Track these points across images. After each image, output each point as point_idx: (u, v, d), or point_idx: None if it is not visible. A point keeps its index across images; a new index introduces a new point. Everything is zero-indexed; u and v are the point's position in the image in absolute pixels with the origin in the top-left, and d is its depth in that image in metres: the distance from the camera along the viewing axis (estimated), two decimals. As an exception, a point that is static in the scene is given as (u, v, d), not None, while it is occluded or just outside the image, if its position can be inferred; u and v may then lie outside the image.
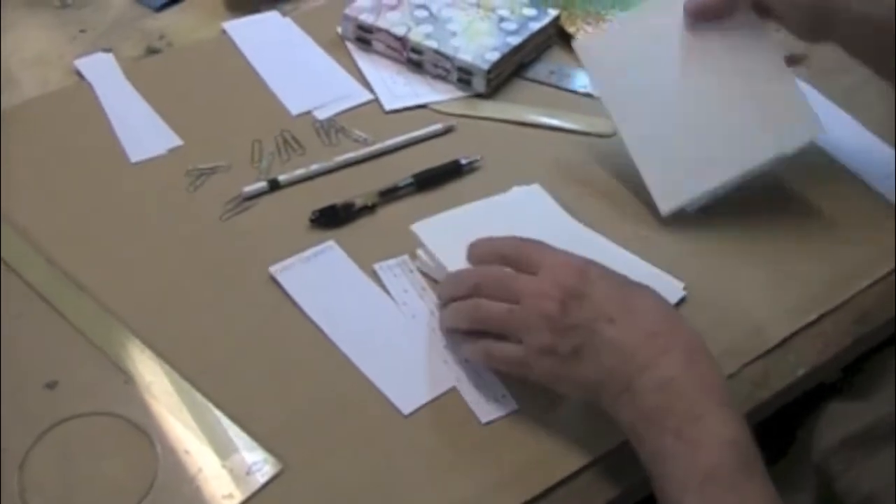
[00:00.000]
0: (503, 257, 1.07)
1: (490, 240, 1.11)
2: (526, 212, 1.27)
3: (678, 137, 1.27)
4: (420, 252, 1.19)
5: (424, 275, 1.19)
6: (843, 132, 1.38)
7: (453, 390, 1.09)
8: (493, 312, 1.04)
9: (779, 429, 1.20)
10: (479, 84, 1.45)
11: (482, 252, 1.10)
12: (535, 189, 1.29)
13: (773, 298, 1.21)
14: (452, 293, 1.09)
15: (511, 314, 1.02)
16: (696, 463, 0.91)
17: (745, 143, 1.26)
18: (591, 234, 1.24)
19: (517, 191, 1.29)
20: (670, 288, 1.18)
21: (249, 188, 1.28)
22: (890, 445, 1.07)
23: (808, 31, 1.27)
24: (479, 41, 1.48)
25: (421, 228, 1.18)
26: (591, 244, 1.23)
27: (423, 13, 1.51)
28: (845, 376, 1.23)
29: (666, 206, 1.27)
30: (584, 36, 1.54)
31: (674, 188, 1.27)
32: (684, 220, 1.28)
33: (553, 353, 0.99)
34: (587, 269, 1.02)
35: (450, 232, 1.18)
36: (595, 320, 0.98)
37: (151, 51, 1.52)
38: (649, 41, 1.30)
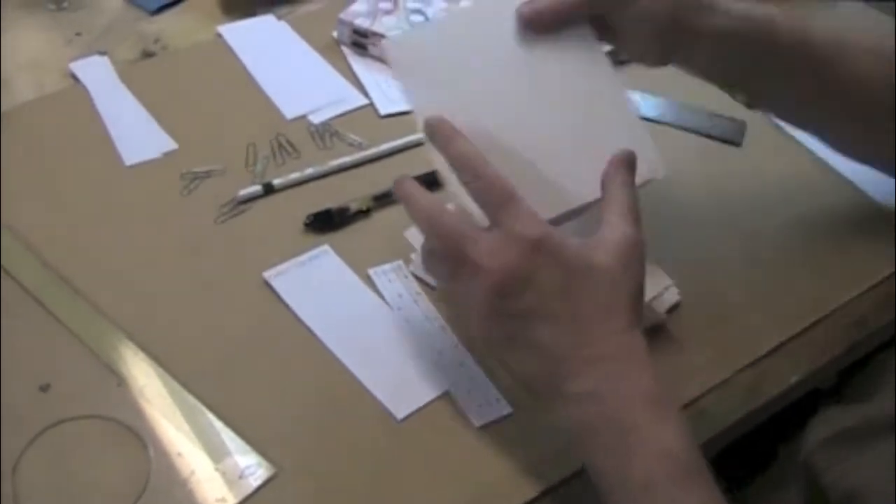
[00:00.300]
0: (464, 179, 0.98)
1: (460, 153, 0.99)
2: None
3: (504, 169, 1.00)
4: (414, 256, 1.19)
5: (419, 279, 1.19)
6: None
7: (447, 395, 1.09)
8: (435, 274, 1.04)
9: (774, 435, 1.20)
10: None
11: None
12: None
13: (767, 304, 1.21)
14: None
15: (449, 289, 1.00)
16: (629, 478, 0.88)
17: (576, 180, 1.06)
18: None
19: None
20: (659, 280, 1.17)
21: (244, 192, 1.28)
22: (875, 441, 1.06)
23: (660, 54, 1.15)
24: (474, 46, 1.47)
25: (415, 235, 1.18)
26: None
27: (418, 17, 1.51)
28: (841, 382, 1.23)
29: None
30: (398, 35, 1.34)
31: None
32: (678, 222, 1.27)
33: (488, 334, 0.96)
34: (540, 246, 0.92)
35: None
36: (531, 314, 0.93)
37: (147, 54, 1.52)
38: (472, 50, 1.09)
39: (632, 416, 0.90)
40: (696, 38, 1.12)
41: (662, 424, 0.90)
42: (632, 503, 0.88)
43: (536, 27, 1.09)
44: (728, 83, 1.21)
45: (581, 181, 1.04)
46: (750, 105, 1.27)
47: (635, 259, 0.96)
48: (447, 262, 0.97)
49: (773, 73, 1.16)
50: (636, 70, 1.51)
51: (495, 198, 0.95)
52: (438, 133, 1.00)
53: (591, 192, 1.02)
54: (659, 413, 0.90)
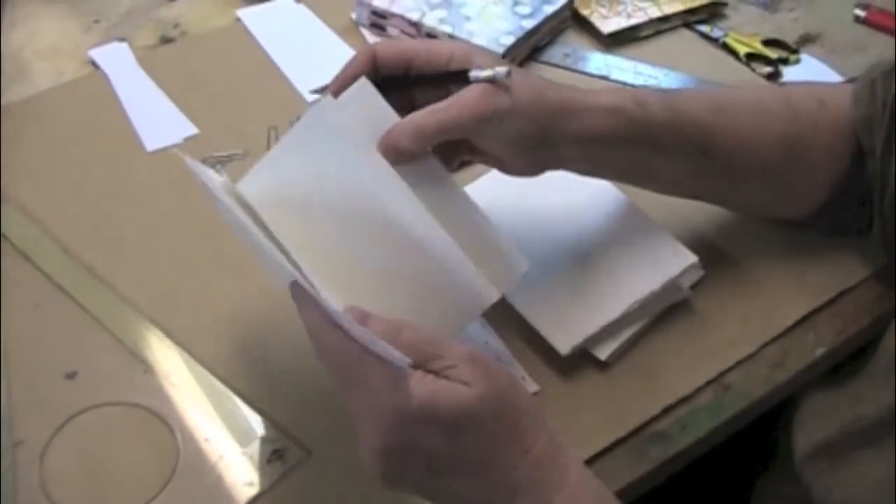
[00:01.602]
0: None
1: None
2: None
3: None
4: None
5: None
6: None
7: (472, 375, 1.09)
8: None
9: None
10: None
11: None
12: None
13: (791, 277, 1.21)
14: None
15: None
16: None
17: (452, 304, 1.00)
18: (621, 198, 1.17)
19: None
20: (683, 259, 1.15)
21: (266, 176, 1.28)
22: (857, 454, 1.06)
23: (533, 165, 1.08)
24: (493, 25, 1.47)
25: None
26: (623, 207, 1.19)
27: (436, -2, 1.51)
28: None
29: None
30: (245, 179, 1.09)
31: None
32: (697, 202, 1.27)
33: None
34: (408, 416, 0.83)
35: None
36: (428, 476, 0.86)
37: (166, 40, 1.52)
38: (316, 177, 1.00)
39: None
40: (560, 142, 1.05)
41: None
42: None
43: (394, 161, 0.98)
44: (600, 175, 1.14)
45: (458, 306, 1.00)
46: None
47: (494, 369, 0.88)
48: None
49: (651, 156, 1.10)
50: (656, 47, 1.52)
51: (349, 367, 0.85)
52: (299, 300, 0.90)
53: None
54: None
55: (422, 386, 0.83)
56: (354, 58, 1.04)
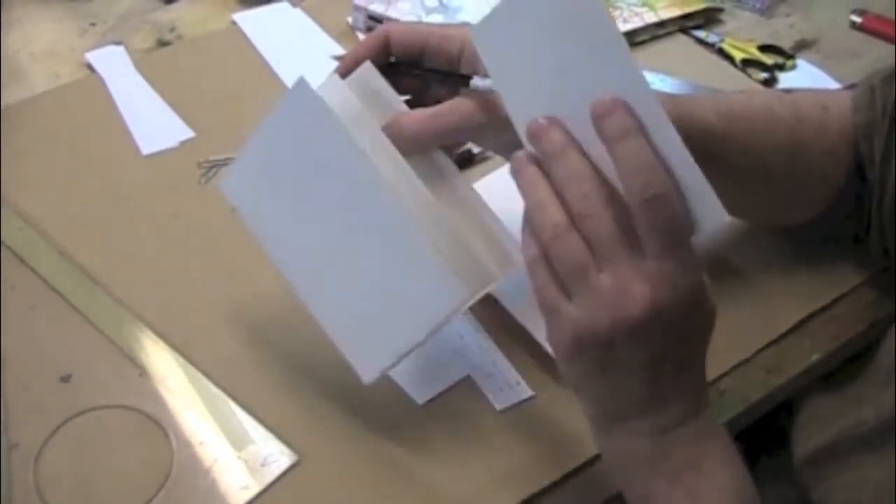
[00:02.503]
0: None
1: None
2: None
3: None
4: None
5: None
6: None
7: (467, 379, 1.09)
8: (541, 295, 0.87)
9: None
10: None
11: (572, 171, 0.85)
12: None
13: (787, 282, 1.21)
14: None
15: (553, 315, 0.86)
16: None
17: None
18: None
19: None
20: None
21: (262, 179, 1.28)
22: (857, 458, 1.06)
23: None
24: (489, 29, 1.47)
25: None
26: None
27: (433, 2, 1.51)
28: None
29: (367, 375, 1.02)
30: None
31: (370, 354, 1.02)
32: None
33: (591, 357, 0.86)
34: (692, 295, 0.85)
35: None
36: (655, 355, 0.85)
37: (162, 43, 1.52)
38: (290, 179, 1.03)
39: (703, 450, 0.88)
40: None
41: (730, 458, 0.89)
42: None
43: (406, 147, 1.00)
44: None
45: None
46: None
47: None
48: (578, 271, 0.84)
49: None
50: (652, 52, 1.52)
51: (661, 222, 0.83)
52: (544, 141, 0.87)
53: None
54: (722, 448, 0.90)
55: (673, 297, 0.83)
56: (368, 38, 1.05)
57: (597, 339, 0.84)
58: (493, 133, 1.00)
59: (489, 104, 0.99)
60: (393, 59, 1.06)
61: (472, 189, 1.04)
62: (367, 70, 1.02)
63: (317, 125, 0.98)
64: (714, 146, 1.07)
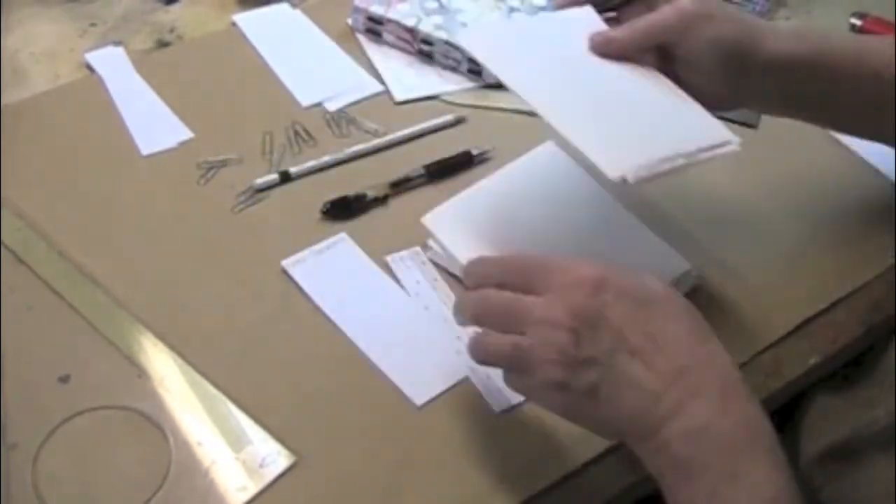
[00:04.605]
0: (503, 278, 0.94)
1: (486, 259, 1.01)
2: (540, 177, 1.24)
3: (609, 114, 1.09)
4: (431, 243, 1.19)
5: (437, 265, 1.19)
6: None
7: (466, 380, 1.09)
8: (494, 349, 0.94)
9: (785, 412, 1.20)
10: (490, 75, 1.45)
11: (480, 273, 0.98)
12: (549, 147, 1.26)
13: (785, 286, 1.21)
14: (459, 320, 1.00)
15: (515, 350, 0.91)
16: None
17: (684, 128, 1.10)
18: (607, 196, 1.22)
19: (530, 155, 1.26)
20: (677, 266, 1.17)
21: (261, 180, 1.28)
22: (867, 458, 1.06)
23: (723, 82, 1.14)
24: (489, 31, 1.48)
25: (431, 221, 1.17)
26: (606, 208, 1.22)
27: (433, 4, 1.51)
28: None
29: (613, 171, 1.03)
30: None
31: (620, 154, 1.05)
32: (694, 205, 1.27)
33: (566, 389, 0.88)
34: (602, 284, 0.89)
35: (461, 220, 1.16)
36: (613, 353, 0.87)
37: (162, 44, 1.52)
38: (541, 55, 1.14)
39: (741, 456, 0.85)
40: (758, 63, 1.13)
41: (769, 464, 0.85)
42: None
43: (606, 53, 1.13)
44: (789, 107, 1.21)
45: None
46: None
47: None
48: (507, 338, 0.92)
49: (836, 86, 1.16)
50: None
51: (532, 272, 0.93)
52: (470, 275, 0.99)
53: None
54: (766, 449, 0.86)
55: (606, 264, 0.91)
56: None
57: (569, 337, 0.88)
58: (697, 29, 1.12)
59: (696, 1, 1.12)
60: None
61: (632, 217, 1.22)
62: (587, 11, 1.18)
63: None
64: (888, 69, 1.15)
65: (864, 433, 1.07)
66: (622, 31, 1.13)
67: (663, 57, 1.15)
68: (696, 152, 1.06)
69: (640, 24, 1.13)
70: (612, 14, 1.19)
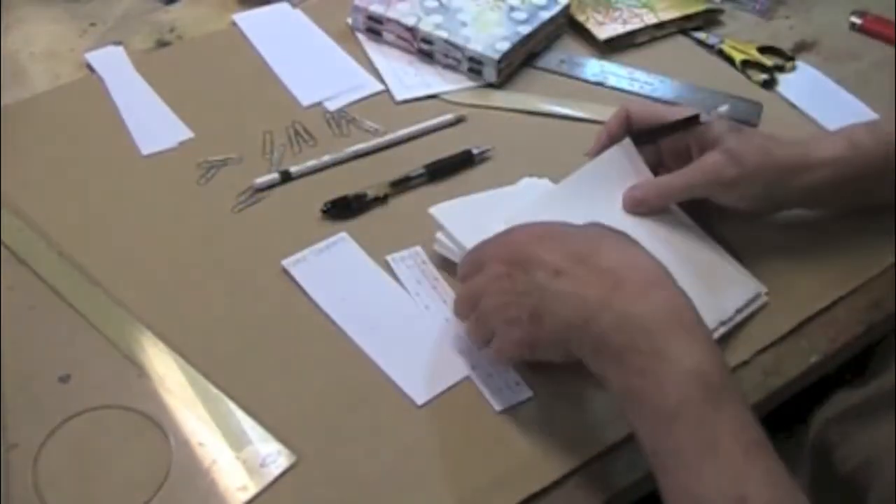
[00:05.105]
0: (464, 271, 1.07)
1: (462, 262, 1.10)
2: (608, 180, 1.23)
3: None
4: (439, 235, 1.19)
5: (439, 265, 1.19)
6: (853, 118, 1.36)
7: (467, 380, 1.09)
8: (470, 330, 1.07)
9: (792, 419, 1.20)
10: (490, 74, 1.45)
11: (459, 274, 1.09)
12: (545, 183, 1.27)
13: (785, 284, 1.21)
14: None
15: (477, 319, 1.04)
16: (663, 401, 0.89)
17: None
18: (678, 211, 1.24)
19: (527, 182, 1.27)
20: (748, 287, 1.19)
21: (261, 180, 1.28)
22: (887, 415, 1.06)
23: (764, 212, 1.26)
24: (489, 31, 1.48)
25: (439, 211, 1.17)
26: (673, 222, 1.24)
27: (433, 3, 1.51)
28: (847, 367, 1.23)
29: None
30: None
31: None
32: (695, 204, 1.27)
33: (518, 322, 0.99)
34: (530, 232, 1.02)
35: (467, 215, 1.17)
36: (543, 278, 0.96)
37: (162, 44, 1.52)
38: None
39: (664, 334, 0.91)
40: (789, 199, 1.22)
41: (692, 340, 0.91)
42: (665, 428, 0.88)
43: (641, 211, 1.21)
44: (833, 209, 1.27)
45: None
46: None
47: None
48: (472, 315, 1.05)
49: (871, 188, 1.22)
50: (652, 53, 1.52)
51: (476, 253, 1.06)
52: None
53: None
54: (689, 327, 0.92)
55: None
56: (613, 117, 1.24)
57: (506, 265, 1.00)
58: (726, 190, 1.19)
59: (724, 163, 1.17)
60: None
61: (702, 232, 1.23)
62: (627, 145, 1.22)
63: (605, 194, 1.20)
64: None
65: (879, 392, 1.08)
66: (651, 193, 1.21)
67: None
68: (734, 315, 1.15)
69: (668, 187, 1.21)
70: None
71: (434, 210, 1.18)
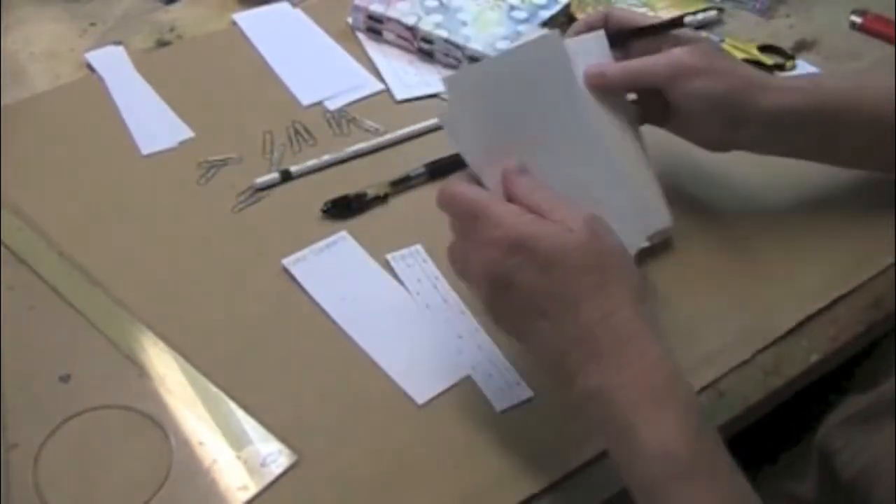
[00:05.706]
0: (451, 214, 1.00)
1: (444, 192, 1.00)
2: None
3: None
4: (448, 104, 1.16)
5: (443, 259, 1.19)
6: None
7: (468, 379, 1.09)
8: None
9: (797, 421, 1.20)
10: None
11: (441, 204, 1.00)
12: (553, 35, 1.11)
13: (785, 283, 1.21)
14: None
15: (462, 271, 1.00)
16: (634, 476, 0.89)
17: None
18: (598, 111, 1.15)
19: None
20: (656, 218, 1.13)
21: (261, 180, 1.28)
22: (888, 421, 1.06)
23: (716, 132, 1.20)
24: (489, 30, 1.48)
25: (450, 82, 1.08)
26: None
27: (433, 3, 1.51)
28: (848, 373, 1.23)
29: None
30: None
31: None
32: (694, 200, 1.27)
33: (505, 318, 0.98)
34: (515, 248, 0.92)
35: (474, 92, 1.06)
36: (524, 312, 0.94)
37: (162, 43, 1.52)
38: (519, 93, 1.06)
39: (634, 410, 0.89)
40: (752, 117, 1.18)
41: (662, 424, 0.88)
42: (641, 493, 0.89)
43: (596, 87, 1.14)
44: (787, 152, 1.25)
45: None
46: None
47: (603, 228, 0.95)
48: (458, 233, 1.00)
49: (828, 137, 1.22)
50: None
51: (468, 216, 0.97)
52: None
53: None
54: (659, 410, 0.89)
55: (528, 224, 0.93)
56: (594, 13, 1.23)
57: (490, 286, 0.95)
58: (688, 81, 1.15)
59: (691, 52, 1.16)
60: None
61: (641, 146, 1.17)
62: (598, 36, 1.18)
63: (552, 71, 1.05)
64: (888, 109, 1.20)
65: (882, 399, 1.08)
66: (614, 70, 1.15)
67: (655, 99, 1.19)
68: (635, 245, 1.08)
69: (632, 67, 1.16)
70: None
71: (448, 78, 1.08)
